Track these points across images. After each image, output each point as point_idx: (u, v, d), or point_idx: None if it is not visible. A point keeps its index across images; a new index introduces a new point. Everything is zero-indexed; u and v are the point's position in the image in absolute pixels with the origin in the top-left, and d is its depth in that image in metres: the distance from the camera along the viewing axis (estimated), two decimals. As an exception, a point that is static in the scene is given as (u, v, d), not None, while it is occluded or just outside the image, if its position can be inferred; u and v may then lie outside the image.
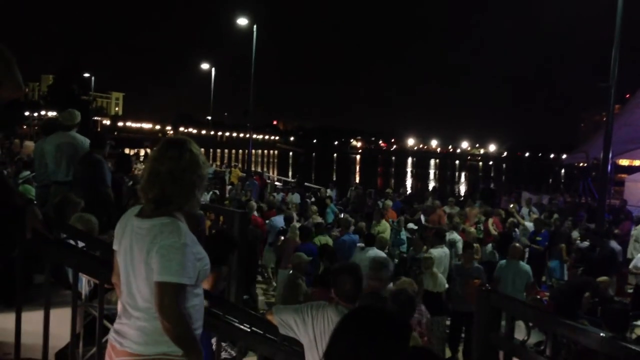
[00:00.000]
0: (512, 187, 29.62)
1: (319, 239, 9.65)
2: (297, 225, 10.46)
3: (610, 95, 12.82)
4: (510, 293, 7.60)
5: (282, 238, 10.50)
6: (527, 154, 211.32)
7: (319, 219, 12.08)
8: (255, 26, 26.70)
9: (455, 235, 10.51)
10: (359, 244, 9.40)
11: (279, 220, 11.48)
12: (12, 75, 2.60)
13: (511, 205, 16.70)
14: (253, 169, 34.35)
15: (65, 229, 3.32)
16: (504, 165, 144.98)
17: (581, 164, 27.61)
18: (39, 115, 56.52)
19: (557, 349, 2.66)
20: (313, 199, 19.26)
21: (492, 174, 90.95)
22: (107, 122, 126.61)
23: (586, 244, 11.12)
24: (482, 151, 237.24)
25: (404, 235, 12.10)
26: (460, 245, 10.23)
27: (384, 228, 11.57)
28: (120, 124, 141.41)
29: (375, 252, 8.50)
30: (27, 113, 58.35)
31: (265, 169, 50.65)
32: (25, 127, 46.92)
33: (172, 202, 2.24)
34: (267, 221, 11.79)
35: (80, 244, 3.45)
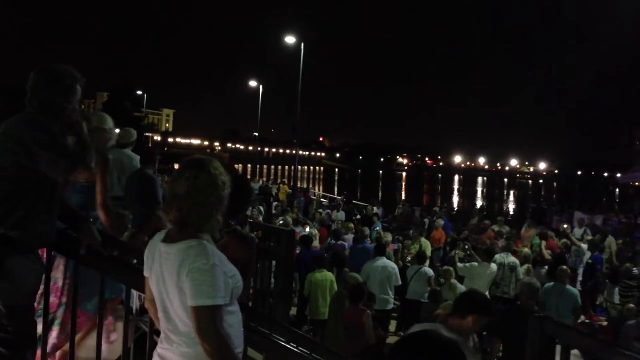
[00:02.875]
0: (564, 206, 28.77)
1: None
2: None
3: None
4: (555, 317, 7.36)
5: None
6: (579, 173, 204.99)
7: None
8: (302, 44, 27.03)
9: (513, 259, 10.05)
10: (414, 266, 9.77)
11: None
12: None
13: (565, 226, 16.26)
14: (299, 185, 34.54)
15: (118, 246, 3.40)
16: (555, 184, 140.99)
17: (637, 184, 26.62)
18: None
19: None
20: (359, 217, 19.20)
21: (542, 193, 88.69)
22: (158, 138, 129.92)
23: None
24: (532, 169, 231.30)
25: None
26: (520, 270, 9.94)
27: (425, 246, 11.55)
28: (170, 140, 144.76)
29: (384, 261, 8.96)
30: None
31: (311, 186, 50.82)
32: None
33: (189, 224, 2.22)
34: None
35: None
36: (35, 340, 2.80)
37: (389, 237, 11.82)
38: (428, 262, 10.77)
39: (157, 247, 2.29)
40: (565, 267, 8.84)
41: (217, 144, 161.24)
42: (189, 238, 2.20)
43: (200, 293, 2.12)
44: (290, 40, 27.57)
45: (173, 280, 2.19)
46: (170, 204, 2.24)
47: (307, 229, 12.31)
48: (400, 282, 9.12)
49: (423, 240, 12.01)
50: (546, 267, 11.14)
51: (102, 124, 4.15)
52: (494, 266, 9.41)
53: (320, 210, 19.82)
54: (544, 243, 12.33)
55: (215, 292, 2.13)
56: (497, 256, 9.89)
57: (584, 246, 12.50)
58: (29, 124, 2.64)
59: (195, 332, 2.15)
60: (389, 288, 8.76)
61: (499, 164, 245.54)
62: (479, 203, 54.61)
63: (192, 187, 2.20)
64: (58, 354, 3.37)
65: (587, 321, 7.52)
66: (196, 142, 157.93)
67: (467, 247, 11.77)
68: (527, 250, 11.49)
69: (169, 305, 2.25)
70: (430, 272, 9.39)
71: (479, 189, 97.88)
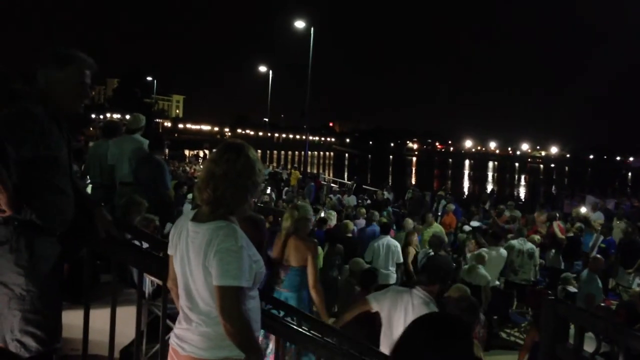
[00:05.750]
0: (575, 190, 28.58)
1: None
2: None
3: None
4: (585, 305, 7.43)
5: None
6: (591, 156, 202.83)
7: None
8: (312, 29, 26.82)
9: (530, 245, 9.94)
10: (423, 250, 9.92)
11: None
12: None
13: (584, 210, 16.19)
14: (309, 170, 34.51)
15: (130, 230, 3.41)
16: (566, 168, 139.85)
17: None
18: (104, 117, 58.61)
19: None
20: (368, 201, 19.18)
21: (554, 177, 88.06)
22: (168, 124, 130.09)
23: None
24: (543, 153, 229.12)
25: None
26: (537, 254, 9.90)
27: (439, 231, 11.51)
28: (180, 125, 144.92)
29: (387, 239, 9.26)
30: (93, 115, 60.73)
31: (321, 171, 50.73)
32: (91, 129, 48.74)
33: (222, 204, 2.24)
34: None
35: (145, 245, 3.55)
36: (61, 322, 2.81)
37: (410, 223, 11.73)
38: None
39: (185, 226, 2.32)
40: (599, 255, 8.84)
41: (227, 129, 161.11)
42: (219, 219, 2.24)
43: (226, 273, 2.15)
44: (299, 24, 27.36)
45: (199, 259, 2.22)
46: (205, 183, 2.26)
47: (322, 214, 12.41)
48: (402, 260, 9.38)
49: (436, 225, 11.95)
50: (554, 250, 11.16)
51: (307, 214, 4.63)
52: (502, 251, 9.35)
53: (331, 196, 19.83)
54: (555, 224, 12.26)
55: (240, 274, 2.16)
56: (515, 242, 9.79)
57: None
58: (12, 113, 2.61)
59: (217, 312, 2.18)
60: (390, 264, 9.05)
61: (509, 148, 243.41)
62: (490, 187, 54.33)
63: (231, 169, 2.24)
64: None
65: (602, 304, 7.49)
66: (206, 127, 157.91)
67: (471, 231, 11.74)
68: (537, 237, 11.42)
69: (191, 283, 2.28)
70: (394, 241, 9.39)
71: (490, 174, 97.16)
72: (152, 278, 3.96)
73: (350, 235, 10.12)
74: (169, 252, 2.41)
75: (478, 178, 77.80)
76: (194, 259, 2.24)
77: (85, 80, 2.74)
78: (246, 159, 2.28)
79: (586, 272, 8.44)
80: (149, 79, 71.59)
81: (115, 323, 3.06)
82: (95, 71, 2.78)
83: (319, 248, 8.87)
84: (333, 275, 8.52)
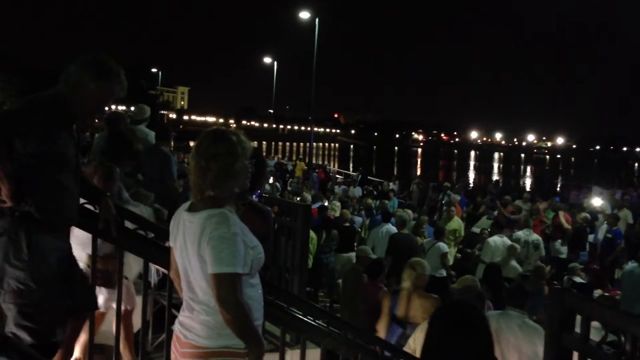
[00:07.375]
0: (582, 181, 28.49)
1: None
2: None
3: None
4: (629, 299, 7.33)
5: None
6: (597, 147, 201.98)
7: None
8: (317, 20, 26.74)
9: (536, 236, 9.93)
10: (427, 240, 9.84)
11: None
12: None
13: (601, 202, 16.20)
14: (314, 161, 34.49)
15: (136, 220, 3.41)
16: (572, 159, 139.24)
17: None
18: (109, 109, 58.57)
19: (635, 351, 2.51)
20: (374, 193, 19.17)
21: (560, 168, 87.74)
22: (173, 115, 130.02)
23: None
24: (549, 144, 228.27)
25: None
26: (542, 246, 9.87)
27: (458, 225, 11.56)
28: (185, 117, 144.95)
29: (388, 227, 9.30)
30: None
31: (326, 162, 50.69)
32: (97, 120, 48.78)
33: (211, 190, 2.23)
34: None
35: (150, 235, 3.55)
36: (63, 317, 2.79)
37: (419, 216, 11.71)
38: (454, 239, 10.94)
39: (182, 216, 2.32)
40: None
41: (232, 121, 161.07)
42: (212, 207, 2.23)
43: (220, 260, 2.14)
44: (304, 15, 27.27)
45: (194, 248, 2.21)
46: (193, 172, 2.26)
47: (326, 203, 12.44)
48: None
49: (456, 218, 11.90)
50: (560, 240, 11.15)
51: (424, 270, 4.92)
52: (506, 239, 9.34)
53: (336, 187, 19.83)
54: (561, 214, 12.22)
55: (235, 260, 2.15)
56: (520, 233, 9.79)
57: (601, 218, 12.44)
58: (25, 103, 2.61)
59: (214, 300, 2.17)
60: None
61: (515, 139, 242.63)
62: (495, 179, 54.20)
63: (215, 155, 2.23)
64: None
65: (606, 294, 7.43)
66: (211, 119, 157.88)
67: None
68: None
69: (190, 273, 2.28)
70: (445, 248, 9.23)
71: (495, 165, 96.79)
72: (158, 267, 3.96)
73: (347, 224, 10.09)
74: (170, 243, 2.43)
75: (484, 169, 77.53)
76: (190, 248, 2.25)
77: (109, 101, 2.73)
78: (229, 142, 2.27)
79: (635, 266, 7.74)
80: (154, 70, 71.52)
81: (120, 312, 3.07)
82: (124, 96, 2.73)
83: (313, 233, 9.03)
84: (329, 260, 9.00)
